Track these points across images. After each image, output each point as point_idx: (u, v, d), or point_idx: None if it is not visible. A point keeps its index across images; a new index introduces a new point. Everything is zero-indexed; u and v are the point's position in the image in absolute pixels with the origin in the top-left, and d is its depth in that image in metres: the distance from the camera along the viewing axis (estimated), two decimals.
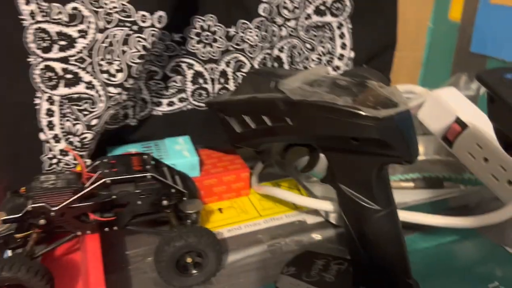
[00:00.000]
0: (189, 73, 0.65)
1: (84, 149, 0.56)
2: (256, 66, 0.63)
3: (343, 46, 0.71)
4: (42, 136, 0.56)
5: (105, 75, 0.54)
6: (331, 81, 0.40)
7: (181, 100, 0.66)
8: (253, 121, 0.42)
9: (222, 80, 0.65)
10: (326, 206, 0.53)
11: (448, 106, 0.57)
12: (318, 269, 0.49)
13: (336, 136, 0.37)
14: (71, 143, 0.56)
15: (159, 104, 0.65)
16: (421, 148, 0.73)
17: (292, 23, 0.68)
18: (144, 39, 0.53)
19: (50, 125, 0.55)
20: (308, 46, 0.70)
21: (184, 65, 0.64)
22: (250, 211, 0.64)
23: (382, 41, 0.72)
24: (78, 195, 0.46)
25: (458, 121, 0.55)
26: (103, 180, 0.47)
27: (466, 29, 0.72)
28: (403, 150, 0.36)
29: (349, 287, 0.45)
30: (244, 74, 0.63)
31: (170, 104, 0.66)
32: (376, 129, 0.35)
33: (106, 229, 0.49)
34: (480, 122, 0.54)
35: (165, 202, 0.50)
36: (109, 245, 0.50)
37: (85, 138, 0.56)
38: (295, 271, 0.50)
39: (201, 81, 0.65)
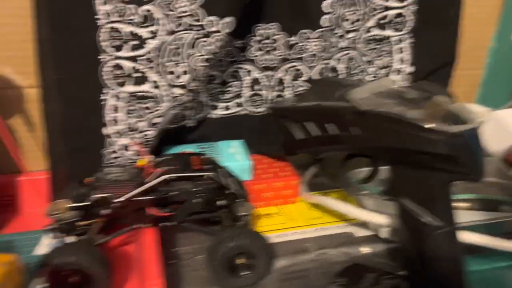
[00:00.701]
0: (247, 79, 0.66)
1: (146, 145, 0.58)
2: (314, 76, 0.63)
3: (402, 60, 0.71)
4: (105, 131, 0.58)
5: (171, 76, 0.56)
6: (399, 94, 0.40)
7: (237, 105, 0.67)
8: (316, 128, 0.42)
9: (278, 88, 0.65)
10: (380, 219, 0.52)
11: (509, 128, 0.56)
12: (369, 283, 0.49)
13: (404, 149, 0.37)
14: (133, 139, 0.58)
15: (215, 107, 0.67)
16: None
17: (351, 35, 0.68)
18: (211, 43, 0.55)
19: (114, 121, 0.58)
20: (366, 58, 0.70)
21: (242, 71, 0.65)
22: (297, 218, 0.64)
23: (442, 58, 0.71)
24: (140, 189, 0.48)
25: None
26: (165, 176, 0.48)
27: None
28: (471, 167, 0.36)
29: None
30: (301, 83, 0.64)
31: (226, 108, 0.67)
32: (446, 145, 0.35)
33: (163, 224, 0.51)
34: None
35: (219, 202, 0.51)
36: (161, 241, 0.51)
37: (147, 135, 0.58)
38: (345, 282, 0.50)
39: (257, 87, 0.66)
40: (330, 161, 0.46)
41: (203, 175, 0.50)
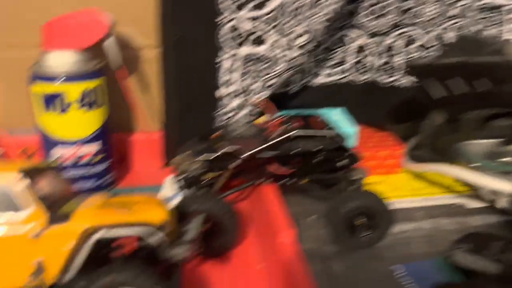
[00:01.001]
0: (353, 46, 0.65)
1: (258, 107, 0.59)
2: (427, 42, 0.62)
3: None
4: (219, 93, 0.59)
5: (290, 37, 0.56)
6: None
7: (339, 72, 0.67)
8: (465, 85, 0.41)
9: (387, 55, 0.64)
10: (507, 186, 0.51)
11: None
12: (498, 249, 0.47)
13: None
14: (247, 100, 0.59)
15: (318, 74, 0.67)
16: None
17: (462, 3, 0.65)
18: (331, 3, 0.54)
19: (229, 82, 0.59)
20: (475, 28, 0.68)
21: (348, 37, 0.65)
22: (402, 189, 0.63)
23: None
24: (267, 144, 0.49)
25: None
26: (290, 133, 0.49)
27: None
28: None
29: None
30: (414, 49, 0.62)
31: (329, 75, 0.67)
32: None
33: (283, 181, 0.52)
34: None
35: (340, 163, 0.51)
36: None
37: (261, 97, 0.58)
38: (471, 248, 0.48)
39: (363, 54, 0.65)
40: (463, 122, 0.45)
41: (327, 135, 0.50)
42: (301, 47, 0.56)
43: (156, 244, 0.32)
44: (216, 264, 0.47)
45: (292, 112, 0.64)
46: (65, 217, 0.32)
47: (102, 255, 0.33)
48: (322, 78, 0.67)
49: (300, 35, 0.56)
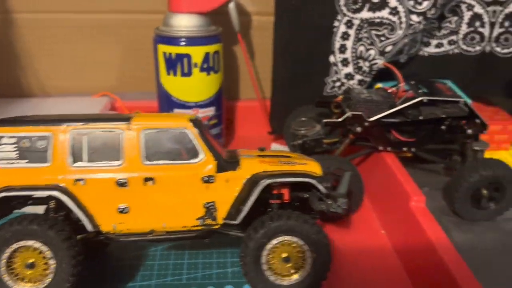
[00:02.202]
0: (467, 15, 0.62)
1: (370, 75, 0.58)
2: None
3: None
4: (332, 59, 0.59)
5: (412, 2, 0.54)
6: None
7: (450, 42, 0.64)
8: None
9: (506, 24, 0.61)
10: None
11: None
12: None
13: None
14: (359, 68, 0.58)
15: (428, 44, 0.64)
16: None
17: None
18: None
19: (342, 48, 0.58)
20: None
21: (464, 6, 0.62)
22: None
23: None
24: (395, 109, 0.48)
25: None
26: (421, 98, 0.48)
27: None
28: None
29: None
30: None
31: (439, 45, 0.65)
32: None
33: (405, 148, 0.51)
34: None
35: (469, 131, 0.49)
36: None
37: (375, 64, 0.57)
38: None
39: (477, 24, 0.62)
40: None
41: (457, 101, 0.48)
42: (421, 13, 0.54)
43: (310, 194, 0.33)
44: (339, 228, 0.47)
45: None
46: (234, 165, 0.33)
47: (260, 203, 0.34)
48: (432, 49, 0.65)
49: (423, 1, 0.54)
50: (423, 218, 0.41)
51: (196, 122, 0.33)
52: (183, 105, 0.55)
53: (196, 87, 0.54)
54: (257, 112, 0.64)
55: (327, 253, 0.32)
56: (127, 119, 0.32)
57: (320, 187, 0.33)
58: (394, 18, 0.55)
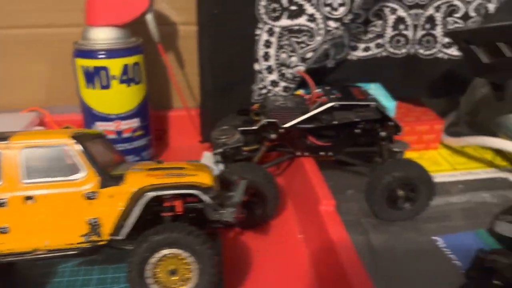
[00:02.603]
0: (391, 18, 0.64)
1: (294, 81, 0.59)
2: (471, 12, 0.60)
3: None
4: (256, 67, 0.59)
5: (328, 8, 0.55)
6: None
7: (377, 46, 0.66)
8: (506, 50, 0.40)
9: (427, 26, 0.63)
10: None
11: None
12: None
13: None
14: (283, 75, 0.59)
15: (355, 48, 0.66)
16: None
17: None
18: None
19: (266, 56, 0.59)
20: None
21: (387, 10, 0.63)
22: (442, 163, 0.62)
23: None
24: (307, 115, 0.49)
25: None
26: (332, 104, 0.49)
27: None
28: None
29: None
30: (456, 20, 0.61)
31: (366, 49, 0.66)
32: None
33: (322, 153, 0.51)
34: None
35: (382, 134, 0.50)
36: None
37: (300, 69, 0.58)
38: None
39: (401, 27, 0.64)
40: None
41: (367, 105, 0.49)
42: (338, 19, 0.55)
43: (205, 205, 0.33)
44: (256, 234, 0.48)
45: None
46: (118, 180, 0.33)
47: (154, 216, 0.34)
48: (360, 52, 0.66)
49: (338, 6, 0.55)
50: (330, 222, 0.42)
51: (79, 138, 0.33)
52: (105, 118, 0.55)
53: (116, 99, 0.54)
54: (191, 121, 0.64)
55: (212, 264, 0.32)
56: (5, 138, 0.32)
57: (205, 197, 0.33)
58: (312, 25, 0.56)
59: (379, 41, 0.65)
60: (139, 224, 0.34)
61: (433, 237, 0.48)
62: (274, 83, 0.60)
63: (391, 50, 0.66)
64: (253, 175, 0.45)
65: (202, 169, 0.36)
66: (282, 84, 0.60)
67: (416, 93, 0.66)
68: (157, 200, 0.34)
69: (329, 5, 0.55)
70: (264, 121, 0.48)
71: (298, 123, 0.49)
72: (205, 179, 0.34)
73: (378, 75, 0.67)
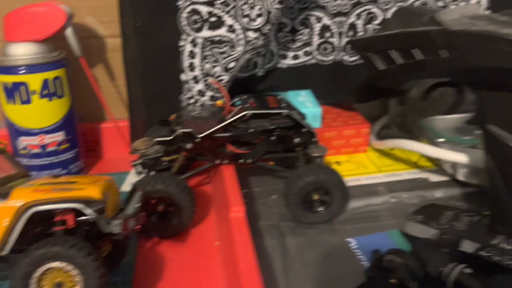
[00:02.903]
0: (317, 27, 0.66)
1: (219, 91, 0.60)
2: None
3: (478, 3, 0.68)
4: (183, 77, 0.60)
5: (246, 19, 0.57)
6: (489, 17, 0.38)
7: (306, 53, 0.67)
8: (401, 56, 0.42)
9: (350, 33, 0.65)
10: (462, 158, 0.51)
11: None
12: (447, 219, 0.48)
13: (496, 68, 0.36)
14: (209, 84, 0.60)
15: (285, 56, 0.67)
16: None
17: None
18: None
19: (191, 67, 0.60)
20: (441, 3, 0.68)
21: (312, 18, 0.65)
22: (368, 166, 0.64)
23: None
24: (222, 124, 0.50)
25: None
26: (244, 113, 0.50)
27: None
28: None
29: (483, 236, 0.44)
30: (375, 26, 0.63)
31: (295, 57, 0.68)
32: None
33: (241, 161, 0.53)
34: None
35: (296, 140, 0.52)
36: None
37: (222, 80, 0.59)
38: (423, 218, 0.49)
39: (327, 35, 0.66)
40: (409, 94, 0.46)
41: (280, 113, 0.51)
42: (257, 29, 0.57)
43: (92, 218, 0.34)
44: (174, 243, 0.49)
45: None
46: (3, 196, 0.33)
47: (45, 231, 0.35)
48: (289, 60, 0.68)
49: (256, 17, 0.56)
50: (236, 228, 0.43)
51: None
52: (28, 132, 0.55)
53: (38, 113, 0.54)
54: (121, 132, 0.65)
55: (96, 276, 0.32)
56: None
57: (88, 211, 0.34)
58: (232, 36, 0.58)
59: (307, 49, 0.67)
60: (33, 239, 0.34)
61: (347, 239, 0.50)
62: (201, 93, 0.61)
63: (319, 57, 0.68)
64: (166, 185, 0.46)
65: (95, 182, 0.37)
66: (209, 93, 0.61)
67: (344, 99, 0.68)
68: (50, 214, 0.34)
69: (247, 16, 0.57)
70: (178, 131, 0.49)
71: (215, 132, 0.50)
72: (93, 193, 0.35)
73: (308, 82, 0.69)
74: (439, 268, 0.39)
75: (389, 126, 0.71)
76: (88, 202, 0.34)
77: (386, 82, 0.44)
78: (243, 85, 0.67)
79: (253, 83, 0.68)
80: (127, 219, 0.35)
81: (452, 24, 0.37)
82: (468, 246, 0.43)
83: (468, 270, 0.38)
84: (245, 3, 0.56)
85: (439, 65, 0.39)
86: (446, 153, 0.53)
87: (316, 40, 0.66)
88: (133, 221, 0.36)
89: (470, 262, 0.41)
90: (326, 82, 0.68)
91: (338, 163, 0.65)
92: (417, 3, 0.66)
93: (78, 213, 0.35)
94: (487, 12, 0.43)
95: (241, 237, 0.42)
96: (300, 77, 0.69)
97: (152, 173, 0.52)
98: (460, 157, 0.51)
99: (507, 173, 0.40)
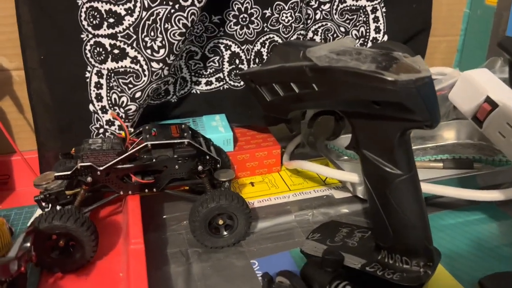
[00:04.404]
0: (226, 54, 0.68)
1: (128, 120, 0.61)
2: None
3: (377, 30, 0.73)
4: (91, 107, 0.61)
5: (149, 51, 0.58)
6: (357, 51, 0.42)
7: (218, 80, 0.70)
8: (282, 89, 0.45)
9: (257, 60, 0.68)
10: (352, 177, 0.55)
11: (479, 86, 0.57)
12: (342, 236, 0.51)
13: (359, 100, 0.39)
14: (117, 114, 0.61)
15: (198, 83, 0.69)
16: (453, 133, 0.74)
17: (326, 6, 0.70)
18: (185, 17, 0.57)
19: (99, 97, 0.61)
20: (342, 29, 0.72)
21: (222, 46, 0.68)
22: (280, 185, 0.67)
23: (416, 25, 0.73)
24: (122, 156, 0.51)
25: (489, 100, 0.56)
26: (144, 144, 0.51)
27: (503, 14, 0.72)
28: (423, 114, 0.38)
29: (370, 252, 0.47)
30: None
31: (208, 83, 0.70)
32: (396, 93, 0.37)
33: (146, 190, 0.54)
34: (511, 102, 0.55)
35: (200, 168, 0.54)
36: (149, 209, 0.54)
37: (129, 109, 0.60)
38: (320, 236, 0.52)
39: (237, 61, 0.69)
40: (298, 121, 0.49)
41: (182, 142, 0.52)
42: (160, 60, 0.58)
43: None
44: (78, 276, 0.49)
45: (168, 121, 0.66)
46: None
47: None
48: (203, 86, 0.70)
49: (159, 49, 0.58)
50: (134, 260, 0.44)
51: None
52: None
53: None
54: (32, 164, 0.64)
55: None
56: None
57: None
58: (137, 67, 0.59)
59: (219, 75, 0.69)
60: None
61: (252, 261, 0.52)
62: (109, 123, 0.62)
63: (231, 83, 0.70)
64: (63, 221, 0.46)
65: None
66: (117, 123, 0.62)
67: (256, 122, 0.70)
68: None
69: (150, 47, 0.58)
70: (78, 165, 0.50)
71: (117, 163, 0.51)
72: None
73: (222, 106, 0.71)
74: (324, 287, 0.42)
75: (303, 145, 0.75)
76: None
77: (274, 112, 0.47)
78: (157, 112, 0.68)
79: (168, 109, 0.69)
80: (6, 263, 0.35)
81: (319, 60, 0.40)
82: (355, 262, 0.46)
83: (349, 287, 0.41)
84: (146, 36, 0.57)
85: (313, 97, 0.42)
86: (341, 173, 0.56)
87: (227, 67, 0.69)
88: (15, 263, 0.36)
89: (358, 278, 0.44)
90: (239, 106, 0.71)
91: (252, 184, 0.67)
92: (320, 30, 0.71)
93: None
94: (359, 46, 0.47)
95: (137, 269, 0.43)
96: (215, 102, 0.71)
97: (58, 207, 0.52)
98: (353, 177, 0.55)
99: (380, 193, 0.43)
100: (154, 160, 0.52)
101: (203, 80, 0.69)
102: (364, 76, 0.38)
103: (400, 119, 0.39)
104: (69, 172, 0.50)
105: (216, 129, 0.67)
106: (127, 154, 0.51)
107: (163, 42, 0.58)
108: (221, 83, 0.70)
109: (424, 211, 0.44)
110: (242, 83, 0.70)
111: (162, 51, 0.58)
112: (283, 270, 0.44)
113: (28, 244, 0.39)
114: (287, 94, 0.44)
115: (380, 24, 0.73)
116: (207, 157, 0.54)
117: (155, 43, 0.58)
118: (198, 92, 0.70)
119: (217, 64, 0.69)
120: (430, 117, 0.39)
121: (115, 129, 0.62)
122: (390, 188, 0.43)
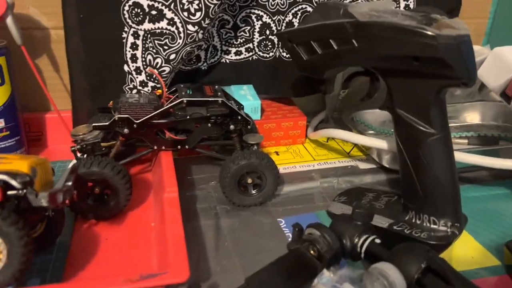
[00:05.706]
0: (257, 24, 0.69)
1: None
2: None
3: (407, 8, 0.73)
4: (126, 68, 0.62)
5: (186, 13, 0.59)
6: (397, 12, 0.43)
7: (247, 50, 0.71)
8: (320, 46, 0.46)
9: None
10: (381, 143, 0.56)
11: (510, 62, 0.58)
12: (368, 199, 0.53)
13: (399, 56, 0.40)
14: (151, 75, 0.62)
15: (228, 52, 0.70)
16: (477, 114, 0.74)
17: None
18: None
19: (134, 58, 0.62)
20: None
21: (253, 16, 0.69)
22: (305, 155, 0.68)
23: (447, 3, 0.73)
24: (158, 111, 0.52)
25: None
26: (180, 100, 0.52)
27: None
28: (462, 71, 0.39)
29: (397, 213, 0.48)
30: None
31: (238, 53, 0.71)
32: (436, 47, 0.38)
33: (179, 147, 0.55)
34: None
35: (232, 127, 0.55)
36: (177, 170, 0.55)
37: (163, 71, 0.62)
38: (347, 199, 0.53)
39: (267, 32, 0.69)
40: (333, 82, 0.50)
41: (216, 100, 0.54)
42: (196, 23, 0.60)
43: (20, 191, 0.35)
44: (110, 224, 0.50)
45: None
46: None
47: None
48: (232, 56, 0.71)
49: (196, 12, 0.59)
50: (169, 207, 0.46)
51: None
52: None
53: None
54: (69, 123, 0.66)
55: (21, 244, 0.34)
56: None
57: (13, 182, 0.35)
58: (173, 28, 0.60)
59: (249, 45, 0.70)
60: None
61: (278, 219, 0.53)
62: (143, 83, 0.63)
63: (260, 54, 0.71)
64: (101, 168, 0.48)
65: (23, 158, 0.38)
66: (151, 84, 0.63)
67: (284, 93, 0.71)
68: None
69: (187, 10, 0.59)
70: (116, 116, 0.51)
71: (152, 118, 0.53)
72: (19, 166, 0.36)
73: (250, 76, 0.72)
74: (353, 239, 0.43)
75: (327, 120, 0.76)
76: (13, 174, 0.35)
77: (310, 71, 0.48)
78: (187, 78, 0.69)
79: (197, 77, 0.70)
80: (54, 192, 0.37)
81: (361, 16, 0.41)
82: (382, 222, 0.47)
83: (378, 241, 0.42)
84: None
85: (351, 54, 0.43)
86: (369, 139, 0.57)
87: (257, 37, 0.70)
88: (60, 194, 0.37)
89: (385, 238, 0.45)
90: (267, 77, 0.72)
91: (277, 153, 0.69)
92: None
93: (8, 187, 0.36)
94: (398, 9, 0.47)
95: (172, 216, 0.44)
96: (243, 72, 0.72)
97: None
98: (381, 143, 0.56)
99: (412, 152, 0.44)
100: (188, 117, 0.54)
101: (233, 50, 0.71)
102: (406, 31, 0.39)
103: (437, 76, 0.40)
104: (107, 123, 0.51)
105: (245, 97, 0.68)
106: (163, 108, 0.52)
107: (200, 5, 0.59)
108: (251, 53, 0.71)
109: (454, 171, 0.45)
110: (271, 54, 0.71)
111: (198, 14, 0.59)
112: (313, 223, 0.45)
113: (70, 183, 0.40)
114: (326, 51, 0.45)
115: (410, 2, 0.73)
116: (239, 117, 0.55)
117: (192, 6, 0.59)
118: (228, 61, 0.71)
119: (247, 34, 0.70)
120: (468, 74, 0.40)
121: (148, 90, 0.63)
122: (422, 147, 0.43)
